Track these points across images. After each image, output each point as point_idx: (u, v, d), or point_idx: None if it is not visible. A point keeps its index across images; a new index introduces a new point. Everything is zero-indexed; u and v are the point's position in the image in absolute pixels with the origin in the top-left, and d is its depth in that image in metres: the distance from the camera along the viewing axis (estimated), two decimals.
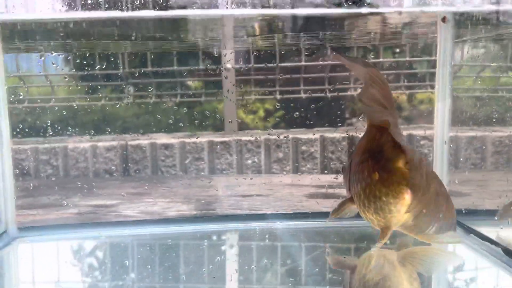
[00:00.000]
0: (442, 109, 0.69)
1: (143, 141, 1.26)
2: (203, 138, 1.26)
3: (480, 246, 0.59)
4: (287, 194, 0.98)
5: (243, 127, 1.31)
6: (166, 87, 1.30)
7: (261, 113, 1.32)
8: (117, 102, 1.27)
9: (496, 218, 0.59)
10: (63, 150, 1.26)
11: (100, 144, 1.26)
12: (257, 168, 1.25)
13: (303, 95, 1.31)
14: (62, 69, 1.20)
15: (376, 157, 0.46)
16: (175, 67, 1.28)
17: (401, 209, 0.45)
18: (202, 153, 1.25)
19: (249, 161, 1.25)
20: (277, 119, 1.29)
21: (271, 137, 1.27)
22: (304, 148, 1.27)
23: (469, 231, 0.62)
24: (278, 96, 1.34)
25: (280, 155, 1.27)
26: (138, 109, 1.28)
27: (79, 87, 1.28)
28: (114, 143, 1.26)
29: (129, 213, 0.84)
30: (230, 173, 1.24)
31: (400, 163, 0.43)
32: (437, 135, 0.70)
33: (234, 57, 1.24)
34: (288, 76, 1.31)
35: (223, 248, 0.65)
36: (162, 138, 1.27)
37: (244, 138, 1.26)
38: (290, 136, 1.26)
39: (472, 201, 0.76)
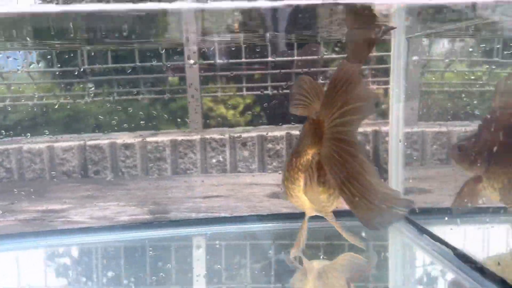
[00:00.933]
0: (396, 106, 0.67)
1: (103, 141, 1.21)
2: (165, 137, 1.22)
3: (432, 247, 0.57)
4: (248, 194, 0.96)
5: (208, 123, 1.27)
6: (127, 84, 1.25)
7: (226, 109, 1.29)
8: (76, 100, 1.21)
9: (453, 211, 0.57)
10: (17, 152, 1.20)
11: (56, 145, 1.20)
12: (222, 167, 1.22)
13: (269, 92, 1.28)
14: (18, 66, 1.13)
15: (296, 144, 0.48)
16: (137, 63, 1.23)
17: (299, 195, 0.46)
18: (164, 152, 1.21)
19: (214, 160, 1.22)
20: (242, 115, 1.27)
21: (235, 135, 1.24)
22: (270, 145, 1.24)
23: (423, 231, 0.61)
24: (245, 93, 1.31)
25: (246, 153, 1.24)
26: (98, 107, 1.23)
27: (35, 86, 1.22)
28: (72, 143, 1.20)
29: (78, 219, 0.79)
30: (194, 172, 1.20)
31: (305, 151, 0.45)
32: (392, 132, 0.68)
33: (197, 53, 1.20)
34: (254, 72, 1.29)
35: (169, 256, 0.62)
36: (123, 137, 1.22)
37: (208, 136, 1.23)
38: (255, 134, 1.23)
39: (433, 198, 0.75)
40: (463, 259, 0.52)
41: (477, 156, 0.52)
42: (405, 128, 0.73)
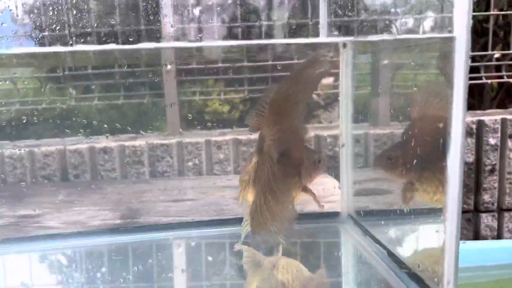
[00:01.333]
0: (345, 112, 0.72)
1: (82, 145, 1.25)
2: (144, 141, 1.26)
3: (371, 248, 0.62)
4: (218, 197, 1.00)
5: (185, 127, 1.31)
6: (107, 89, 1.29)
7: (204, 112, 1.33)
8: (57, 105, 1.24)
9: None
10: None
11: (37, 150, 1.24)
12: (198, 170, 1.26)
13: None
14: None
15: None
16: (116, 69, 1.26)
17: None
18: (142, 156, 1.25)
19: (190, 163, 1.26)
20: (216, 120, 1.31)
21: (212, 138, 1.28)
22: (244, 148, 1.29)
23: (366, 233, 0.66)
24: (222, 97, 1.35)
25: (221, 156, 1.28)
26: (78, 112, 1.27)
27: (17, 91, 1.25)
28: (52, 148, 1.24)
29: (52, 224, 0.83)
30: (171, 175, 1.24)
31: (251, 157, 0.54)
32: (342, 135, 0.73)
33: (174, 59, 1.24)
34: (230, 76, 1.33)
35: (138, 259, 0.66)
36: (102, 142, 1.26)
37: (185, 140, 1.27)
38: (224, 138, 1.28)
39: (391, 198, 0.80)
40: (394, 259, 0.57)
41: (407, 163, 0.56)
42: (376, 130, 0.78)
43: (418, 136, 0.55)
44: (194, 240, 0.71)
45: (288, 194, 0.48)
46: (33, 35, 0.74)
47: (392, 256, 0.57)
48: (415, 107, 0.56)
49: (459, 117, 0.42)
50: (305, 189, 0.57)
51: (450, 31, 0.41)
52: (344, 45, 0.68)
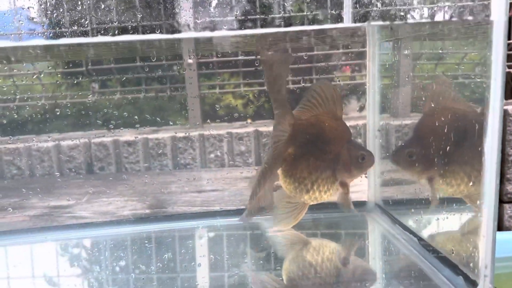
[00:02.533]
0: (372, 101, 0.72)
1: (107, 138, 1.27)
2: (166, 133, 1.27)
3: (402, 236, 0.62)
4: (242, 188, 1.01)
5: (207, 120, 1.33)
6: (129, 83, 1.31)
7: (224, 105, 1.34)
8: (81, 99, 1.27)
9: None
10: (27, 150, 1.27)
11: (63, 143, 1.27)
12: (220, 161, 1.28)
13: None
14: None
15: None
16: (138, 63, 1.28)
17: None
18: (165, 148, 1.27)
19: (212, 155, 1.28)
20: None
21: (233, 130, 1.29)
22: (265, 140, 1.30)
23: (395, 221, 0.66)
24: (242, 89, 1.36)
25: (242, 148, 1.29)
26: (102, 106, 1.29)
27: (42, 86, 1.28)
28: (78, 141, 1.27)
29: (84, 214, 0.86)
30: (194, 167, 1.26)
31: None
32: (369, 124, 0.73)
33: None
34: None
35: (167, 248, 0.68)
36: (126, 135, 1.28)
37: (206, 133, 1.28)
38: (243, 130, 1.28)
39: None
40: (427, 247, 0.57)
41: (429, 159, 0.56)
42: (396, 121, 0.78)
43: (440, 129, 0.53)
44: (222, 229, 0.73)
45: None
46: (57, 29, 0.76)
47: (422, 241, 0.57)
48: (427, 98, 0.56)
49: (496, 103, 0.42)
50: (342, 185, 0.57)
51: (487, 15, 0.41)
52: (391, 28, 0.67)
